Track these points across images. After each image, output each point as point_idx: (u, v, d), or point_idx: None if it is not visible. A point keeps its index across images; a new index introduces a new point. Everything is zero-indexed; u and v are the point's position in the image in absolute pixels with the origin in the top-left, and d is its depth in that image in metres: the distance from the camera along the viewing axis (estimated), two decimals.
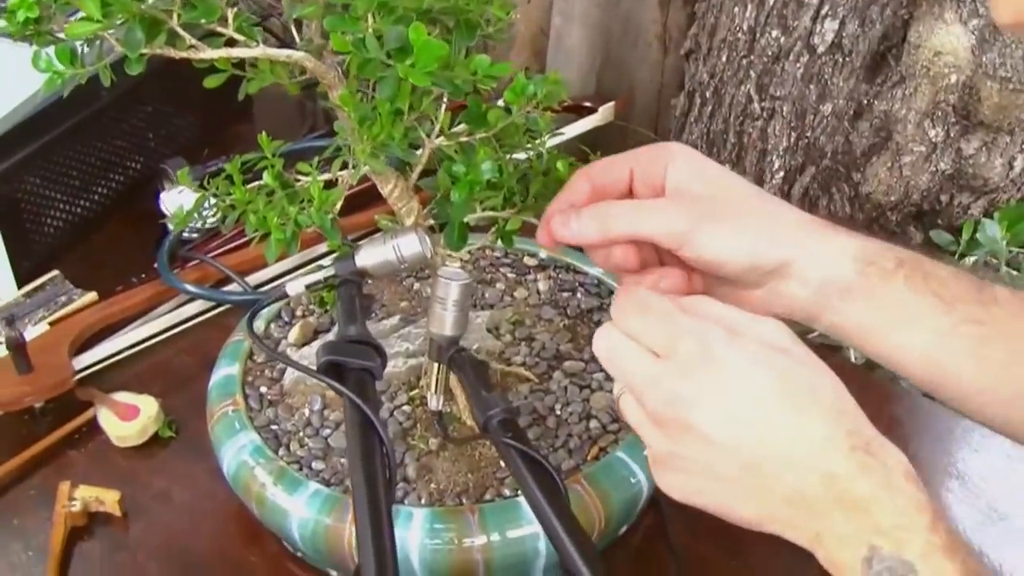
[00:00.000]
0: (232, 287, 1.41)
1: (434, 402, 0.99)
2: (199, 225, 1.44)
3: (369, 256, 0.94)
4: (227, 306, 1.39)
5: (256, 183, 0.96)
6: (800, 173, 1.59)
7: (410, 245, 0.94)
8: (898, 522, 0.74)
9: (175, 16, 0.85)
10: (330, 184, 0.94)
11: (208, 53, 0.87)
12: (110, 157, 1.56)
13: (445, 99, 0.92)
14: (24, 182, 1.42)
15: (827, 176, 1.58)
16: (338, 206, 0.91)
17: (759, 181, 1.61)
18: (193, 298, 1.39)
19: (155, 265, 1.41)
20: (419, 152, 0.94)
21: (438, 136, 0.94)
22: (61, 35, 0.84)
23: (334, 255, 0.98)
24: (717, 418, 0.78)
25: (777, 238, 0.90)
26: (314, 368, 0.88)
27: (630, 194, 0.95)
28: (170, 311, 1.40)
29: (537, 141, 0.98)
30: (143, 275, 1.42)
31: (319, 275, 0.96)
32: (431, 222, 0.98)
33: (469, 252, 1.26)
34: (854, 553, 0.74)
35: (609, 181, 0.94)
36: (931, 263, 0.90)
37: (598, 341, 0.86)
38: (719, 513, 0.81)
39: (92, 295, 1.39)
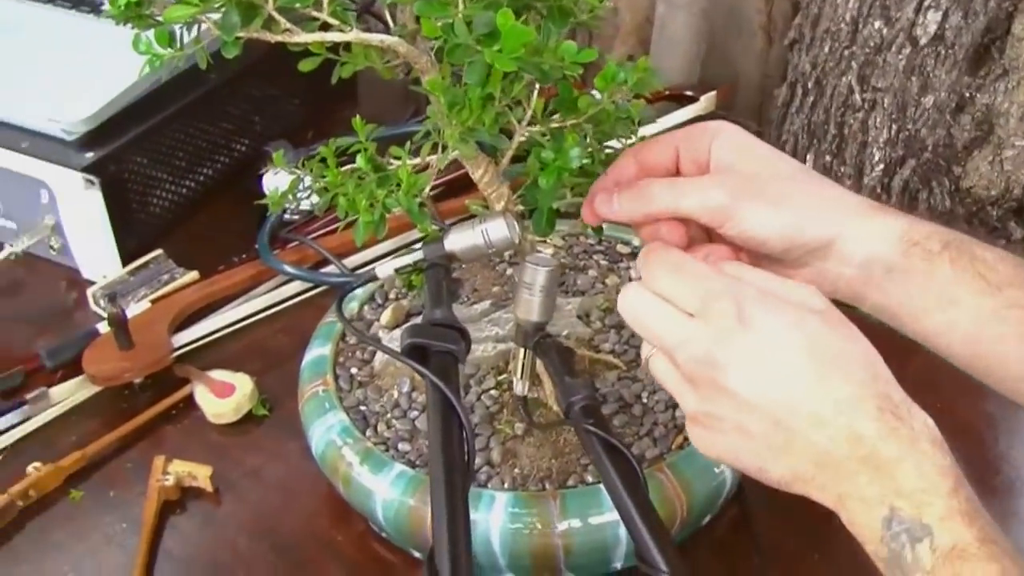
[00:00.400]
0: (330, 268, 1.41)
1: (519, 387, 0.99)
2: (297, 207, 1.44)
3: (458, 240, 0.95)
4: (324, 287, 1.40)
5: (350, 166, 0.97)
6: (900, 166, 1.56)
7: (498, 230, 0.94)
8: (920, 485, 0.74)
9: (271, 0, 0.85)
10: (423, 170, 0.94)
11: (302, 37, 0.87)
12: (216, 139, 1.57)
13: (538, 86, 0.92)
14: (131, 162, 1.44)
15: (927, 169, 1.56)
16: (427, 190, 0.91)
17: (859, 173, 1.59)
18: (291, 279, 1.40)
19: (256, 246, 1.42)
20: (511, 139, 0.94)
21: (530, 123, 0.93)
22: (160, 18, 0.86)
23: (424, 238, 0.98)
24: (749, 378, 0.80)
25: (821, 215, 0.89)
26: (399, 351, 0.88)
27: (677, 173, 0.94)
28: (268, 291, 1.41)
29: (629, 130, 0.98)
30: (244, 255, 1.44)
31: (408, 258, 0.97)
32: (520, 208, 0.98)
33: (563, 238, 1.27)
34: (875, 515, 0.75)
35: (655, 160, 0.94)
36: (980, 246, 0.89)
37: (627, 300, 0.87)
38: (752, 472, 0.82)
39: (193, 274, 1.41)
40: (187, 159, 1.54)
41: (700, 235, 0.93)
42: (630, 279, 1.23)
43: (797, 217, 0.89)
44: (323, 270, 1.41)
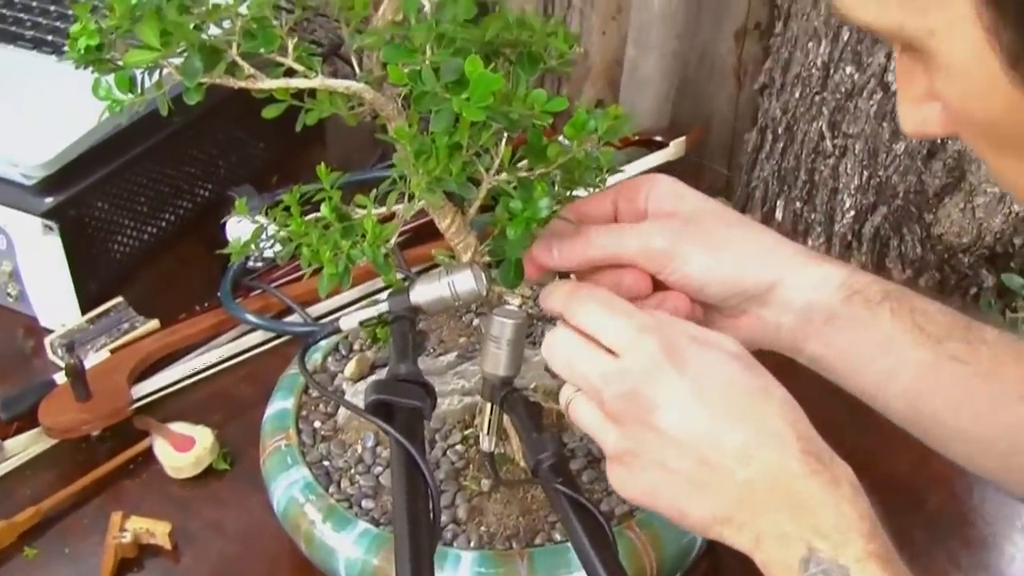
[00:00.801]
0: (294, 317, 1.38)
1: (486, 443, 0.97)
2: (261, 255, 1.42)
3: (423, 292, 0.93)
4: (288, 336, 1.37)
5: (314, 215, 0.94)
6: (871, 213, 1.56)
7: (465, 282, 0.92)
8: (840, 526, 0.75)
9: (235, 45, 0.84)
10: (389, 218, 0.92)
11: (266, 83, 0.86)
12: (179, 183, 1.54)
13: (506, 134, 0.90)
14: (91, 207, 1.41)
15: (899, 216, 1.56)
16: (392, 241, 0.89)
17: (830, 220, 1.58)
18: (254, 328, 1.38)
19: (219, 293, 1.39)
20: (478, 187, 0.92)
21: (498, 172, 0.92)
22: (121, 63, 0.84)
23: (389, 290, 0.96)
24: (677, 414, 0.80)
25: (760, 261, 0.90)
26: (362, 407, 0.86)
27: None
28: (231, 340, 1.38)
29: (597, 178, 0.96)
30: (206, 303, 1.40)
31: (373, 310, 0.95)
32: (487, 259, 0.96)
33: (531, 288, 1.24)
34: (793, 553, 0.75)
35: (593, 215, 0.95)
36: (919, 298, 0.90)
37: (552, 342, 0.87)
38: (670, 514, 0.82)
39: (154, 323, 1.38)
40: (149, 204, 1.50)
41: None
42: None
43: (737, 262, 0.90)
44: (287, 319, 1.38)
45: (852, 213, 1.56)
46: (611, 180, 0.96)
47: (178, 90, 0.83)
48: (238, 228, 1.40)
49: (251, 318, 1.37)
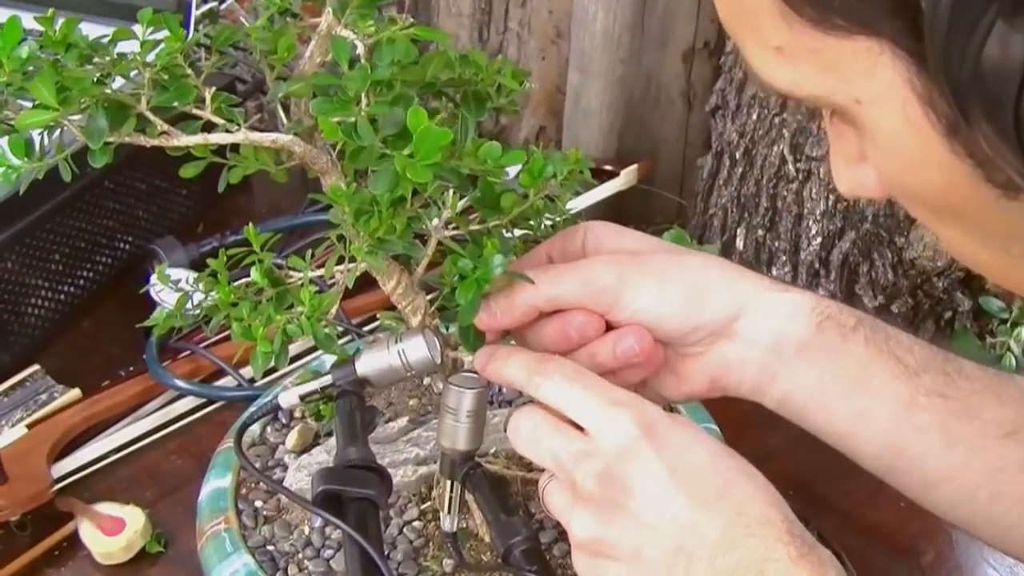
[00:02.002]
0: (227, 380, 1.31)
1: (447, 523, 0.90)
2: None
3: (371, 362, 0.86)
4: (222, 401, 1.30)
5: (244, 280, 0.86)
6: (839, 238, 1.50)
7: (416, 349, 0.85)
8: None
9: (144, 99, 0.76)
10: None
11: (183, 140, 0.80)
12: (96, 238, 1.47)
13: None
14: (1, 269, 1.33)
15: (868, 241, 1.50)
16: (333, 311, 0.80)
17: (795, 247, 1.52)
18: (184, 394, 1.31)
19: (144, 357, 1.32)
20: (425, 244, 0.84)
21: (446, 224, 0.84)
22: (14, 124, 0.75)
23: (332, 362, 0.88)
24: (653, 497, 0.75)
25: (720, 291, 0.84)
26: (309, 499, 0.78)
27: None
28: (160, 408, 1.31)
29: (550, 223, 0.92)
30: (131, 368, 1.33)
31: (316, 384, 0.88)
32: (439, 321, 0.88)
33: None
34: None
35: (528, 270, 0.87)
36: (892, 327, 0.85)
37: (518, 423, 0.81)
38: None
39: (75, 392, 1.29)
40: (64, 262, 1.43)
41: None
42: None
43: (694, 294, 0.83)
44: (219, 383, 1.32)
45: (819, 239, 1.49)
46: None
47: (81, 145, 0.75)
48: (163, 290, 1.33)
49: (180, 383, 1.30)
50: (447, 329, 0.90)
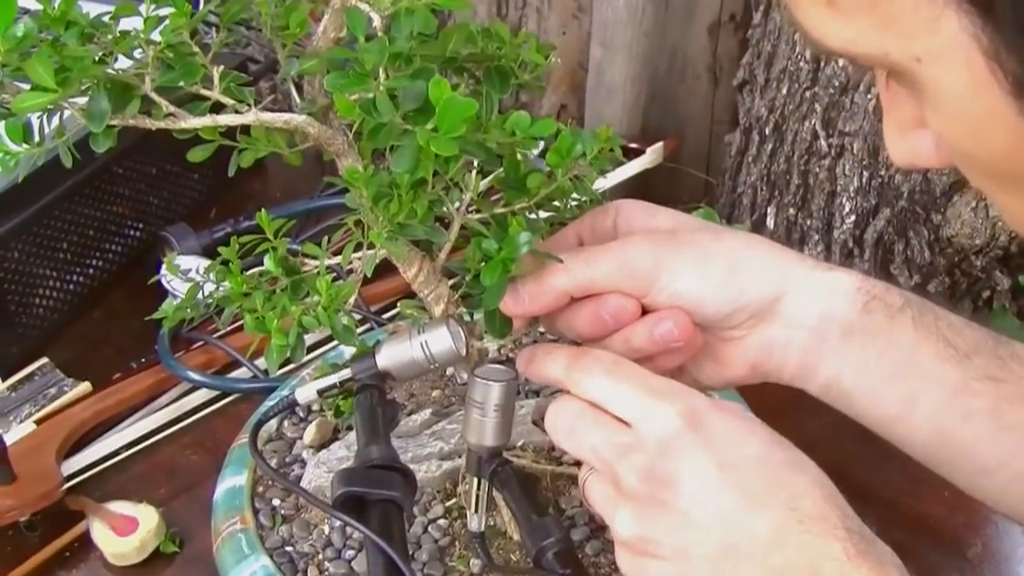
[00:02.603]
0: (242, 371, 1.28)
1: (475, 523, 0.86)
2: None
3: (392, 355, 0.82)
4: (237, 394, 1.27)
5: (258, 268, 0.83)
6: (873, 216, 1.48)
7: (440, 340, 0.81)
8: None
9: (148, 79, 0.72)
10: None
11: (190, 122, 0.76)
12: (106, 225, 1.44)
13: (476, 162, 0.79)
14: (6, 260, 1.30)
15: (904, 219, 1.47)
16: (352, 300, 0.76)
17: (827, 227, 1.50)
18: (198, 386, 1.28)
19: (156, 348, 1.29)
20: (447, 228, 0.80)
21: (469, 207, 0.80)
22: (9, 107, 0.71)
23: (351, 354, 0.84)
24: (700, 492, 0.71)
25: (762, 269, 0.80)
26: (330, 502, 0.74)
27: None
28: (173, 402, 1.28)
29: (576, 204, 0.88)
30: (143, 360, 1.30)
31: (334, 378, 0.84)
32: (463, 310, 0.84)
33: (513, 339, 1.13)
34: None
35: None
36: (940, 308, 0.81)
37: (557, 415, 0.78)
38: None
39: (85, 386, 1.27)
40: (73, 250, 1.40)
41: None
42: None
43: (735, 273, 0.80)
44: (234, 374, 1.29)
45: (852, 218, 1.47)
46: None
47: (87, 130, 0.71)
48: (174, 279, 1.31)
49: (193, 375, 1.27)
50: (472, 318, 0.86)
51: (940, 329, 0.80)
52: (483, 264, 0.78)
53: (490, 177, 0.81)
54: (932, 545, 1.10)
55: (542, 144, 0.77)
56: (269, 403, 1.07)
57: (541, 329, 0.86)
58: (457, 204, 0.79)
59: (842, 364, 0.81)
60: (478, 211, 0.80)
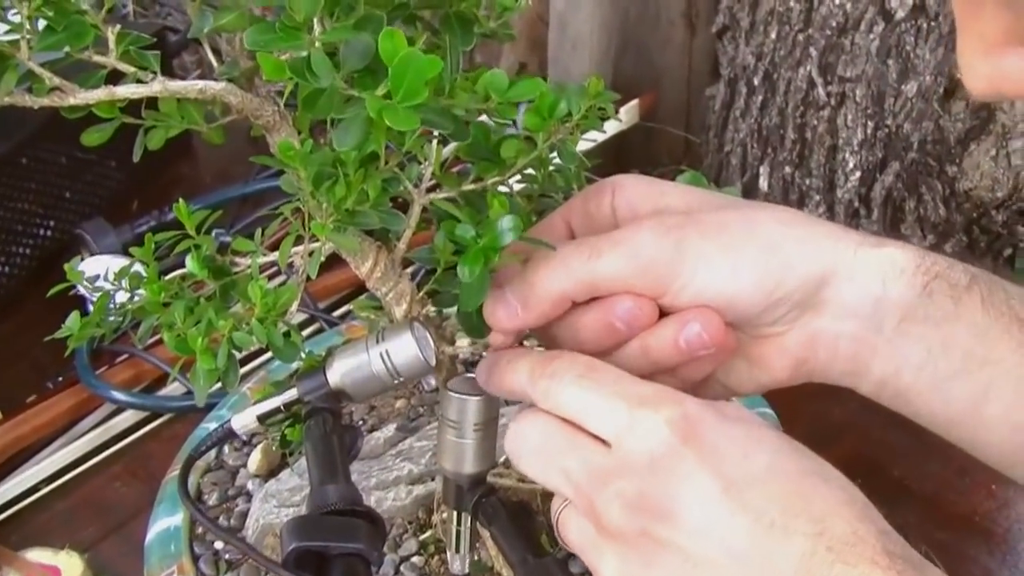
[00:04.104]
0: (175, 387, 1.20)
1: (456, 565, 0.76)
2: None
3: (347, 370, 0.71)
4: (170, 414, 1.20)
5: (180, 272, 0.72)
6: (881, 171, 1.40)
7: (403, 349, 0.70)
8: None
9: (24, 46, 0.61)
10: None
11: (81, 96, 0.65)
12: (11, 225, 1.38)
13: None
14: None
15: (915, 173, 1.40)
16: (294, 307, 0.65)
17: (830, 185, 1.42)
18: (124, 407, 1.20)
19: (75, 365, 1.22)
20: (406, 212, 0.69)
21: (431, 184, 0.69)
22: None
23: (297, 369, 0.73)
24: (703, 523, 0.61)
25: (800, 251, 0.70)
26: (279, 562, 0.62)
27: None
28: (98, 425, 1.22)
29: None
30: (60, 378, 1.24)
31: (276, 400, 0.74)
32: (430, 308, 0.73)
33: None
34: None
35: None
36: (1010, 284, 0.72)
37: (519, 435, 0.67)
38: None
39: None
40: None
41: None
42: None
43: (770, 259, 0.69)
44: (166, 390, 1.22)
45: (858, 174, 1.39)
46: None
47: None
48: (96, 273, 1.23)
49: (119, 395, 1.21)
50: (441, 317, 0.74)
51: (1013, 309, 0.70)
52: (457, 255, 0.67)
53: (451, 146, 0.70)
54: (981, 546, 1.03)
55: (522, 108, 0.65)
56: (205, 425, 0.98)
57: (535, 344, 0.75)
58: (416, 181, 0.68)
59: (900, 358, 0.71)
60: (439, 187, 0.69)
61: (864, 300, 0.69)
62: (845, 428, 0.98)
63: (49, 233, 1.41)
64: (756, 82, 1.44)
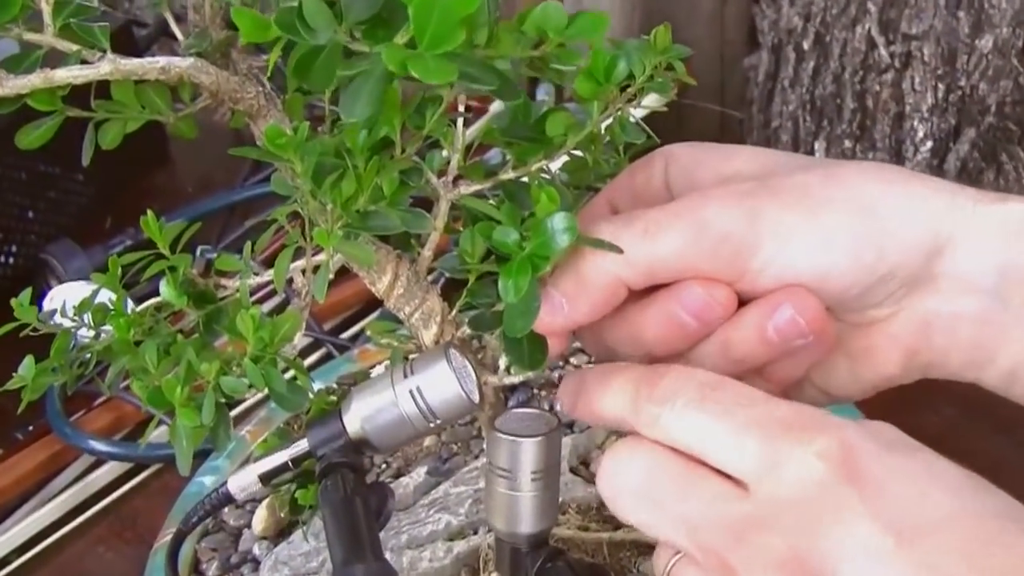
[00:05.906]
0: (161, 432, 1.08)
1: None
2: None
3: (368, 413, 0.60)
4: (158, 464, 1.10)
5: (154, 301, 0.62)
6: (955, 140, 1.33)
7: (439, 383, 0.59)
8: None
9: None
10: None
11: (9, 84, 0.56)
12: None
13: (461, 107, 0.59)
14: None
15: (993, 140, 1.33)
16: (296, 339, 0.53)
17: (897, 156, 1.35)
18: (105, 458, 1.12)
19: (46, 411, 1.13)
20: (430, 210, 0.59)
21: (456, 177, 0.59)
22: None
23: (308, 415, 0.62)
24: None
25: (903, 215, 0.61)
26: None
27: None
28: (77, 480, 1.13)
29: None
30: (30, 428, 1.15)
31: (282, 455, 0.62)
32: (466, 330, 0.61)
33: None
34: None
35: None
36: None
37: (619, 472, 0.58)
38: None
39: None
40: None
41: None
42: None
43: (868, 224, 0.61)
44: (152, 436, 1.09)
45: (929, 144, 1.32)
46: None
47: None
48: (65, 302, 1.14)
49: (97, 445, 1.12)
50: (479, 341, 0.63)
51: None
52: (496, 261, 0.56)
53: (476, 126, 0.58)
54: None
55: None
56: (200, 479, 0.87)
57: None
58: (442, 170, 0.57)
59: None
60: (461, 179, 0.59)
61: (986, 270, 0.61)
62: (942, 438, 0.88)
63: (10, 260, 1.34)
64: (806, 47, 1.37)
